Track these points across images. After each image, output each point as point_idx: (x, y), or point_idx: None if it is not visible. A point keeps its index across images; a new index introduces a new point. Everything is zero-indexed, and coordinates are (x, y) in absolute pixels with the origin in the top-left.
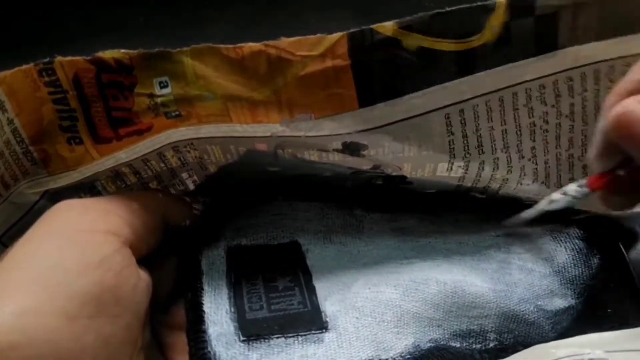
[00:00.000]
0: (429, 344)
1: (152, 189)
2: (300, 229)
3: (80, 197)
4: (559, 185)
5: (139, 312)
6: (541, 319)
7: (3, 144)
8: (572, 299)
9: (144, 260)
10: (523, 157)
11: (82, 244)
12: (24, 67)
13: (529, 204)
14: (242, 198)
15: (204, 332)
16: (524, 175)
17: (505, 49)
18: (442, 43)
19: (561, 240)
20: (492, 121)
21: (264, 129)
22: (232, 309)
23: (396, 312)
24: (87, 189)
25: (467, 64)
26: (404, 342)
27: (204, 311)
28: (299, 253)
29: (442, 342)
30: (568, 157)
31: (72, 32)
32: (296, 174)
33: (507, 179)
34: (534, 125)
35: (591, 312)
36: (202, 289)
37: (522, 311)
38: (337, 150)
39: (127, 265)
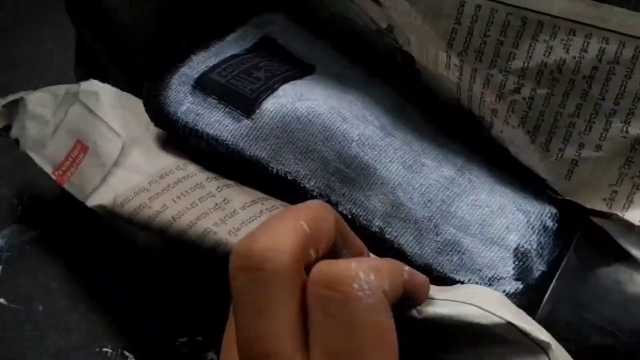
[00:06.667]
0: None
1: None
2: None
3: None
4: (546, 149)
5: None
6: None
7: None
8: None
9: None
10: (516, 92)
11: None
12: None
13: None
14: None
15: (177, 67)
16: (512, 112)
17: None
18: None
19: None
20: (505, 36)
21: None
22: (211, 65)
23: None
24: None
25: None
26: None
27: (191, 56)
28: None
29: None
30: (568, 125)
31: None
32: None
33: (496, 110)
34: (545, 67)
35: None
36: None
37: None
38: None
39: None
